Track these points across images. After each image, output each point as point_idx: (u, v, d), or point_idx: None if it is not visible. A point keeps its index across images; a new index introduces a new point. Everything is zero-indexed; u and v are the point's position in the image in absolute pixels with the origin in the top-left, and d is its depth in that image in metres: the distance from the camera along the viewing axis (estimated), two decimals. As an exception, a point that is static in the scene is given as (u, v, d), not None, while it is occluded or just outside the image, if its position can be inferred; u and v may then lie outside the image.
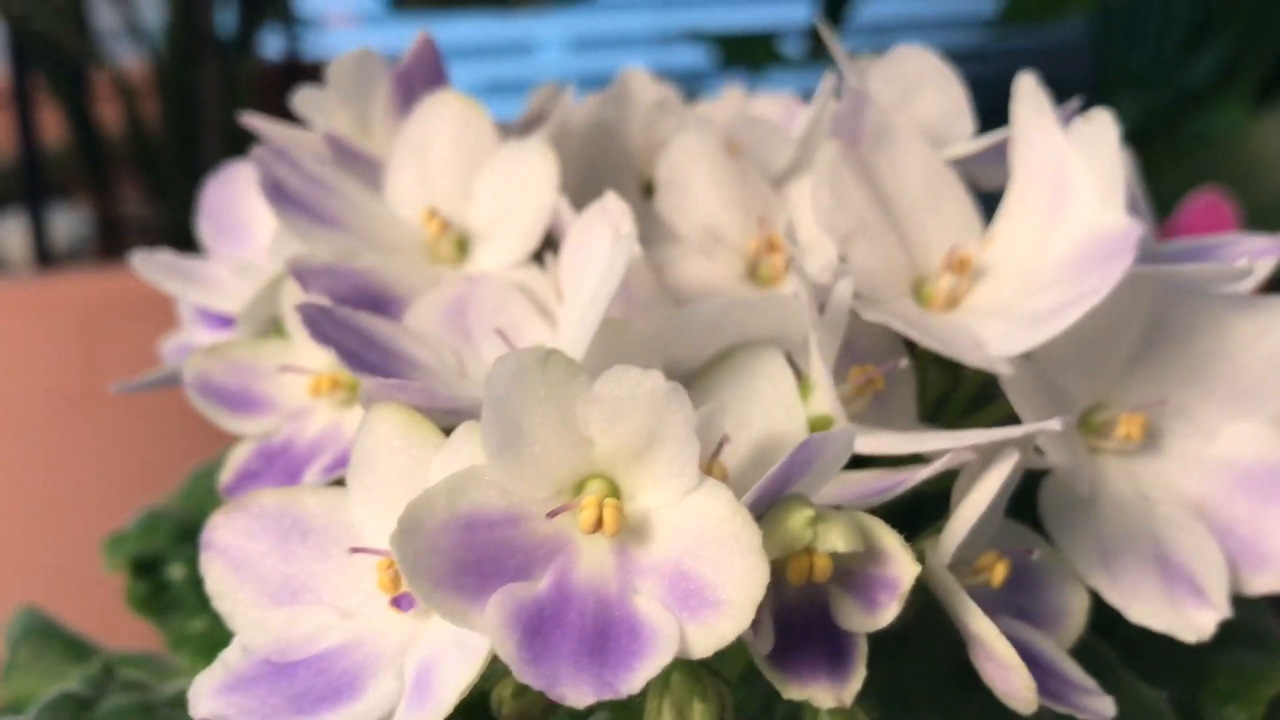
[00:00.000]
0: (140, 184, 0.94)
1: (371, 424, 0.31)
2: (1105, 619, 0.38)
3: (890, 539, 0.29)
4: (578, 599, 0.28)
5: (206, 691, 0.29)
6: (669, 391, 0.27)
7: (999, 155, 0.41)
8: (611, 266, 0.33)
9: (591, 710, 0.38)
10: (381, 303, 0.38)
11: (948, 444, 0.32)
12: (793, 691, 0.29)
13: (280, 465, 0.38)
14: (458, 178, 0.41)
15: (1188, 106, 1.25)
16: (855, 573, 0.30)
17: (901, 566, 0.29)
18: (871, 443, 0.33)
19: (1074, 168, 0.37)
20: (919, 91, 0.42)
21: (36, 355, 0.71)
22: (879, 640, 0.40)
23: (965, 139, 0.42)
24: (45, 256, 0.81)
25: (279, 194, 0.38)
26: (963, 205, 0.40)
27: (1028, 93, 0.39)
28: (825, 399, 0.34)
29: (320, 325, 0.33)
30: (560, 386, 0.28)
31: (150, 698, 0.45)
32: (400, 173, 0.41)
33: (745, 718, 0.36)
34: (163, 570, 0.52)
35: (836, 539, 0.28)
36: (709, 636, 0.27)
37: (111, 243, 0.90)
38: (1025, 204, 0.39)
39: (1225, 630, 0.45)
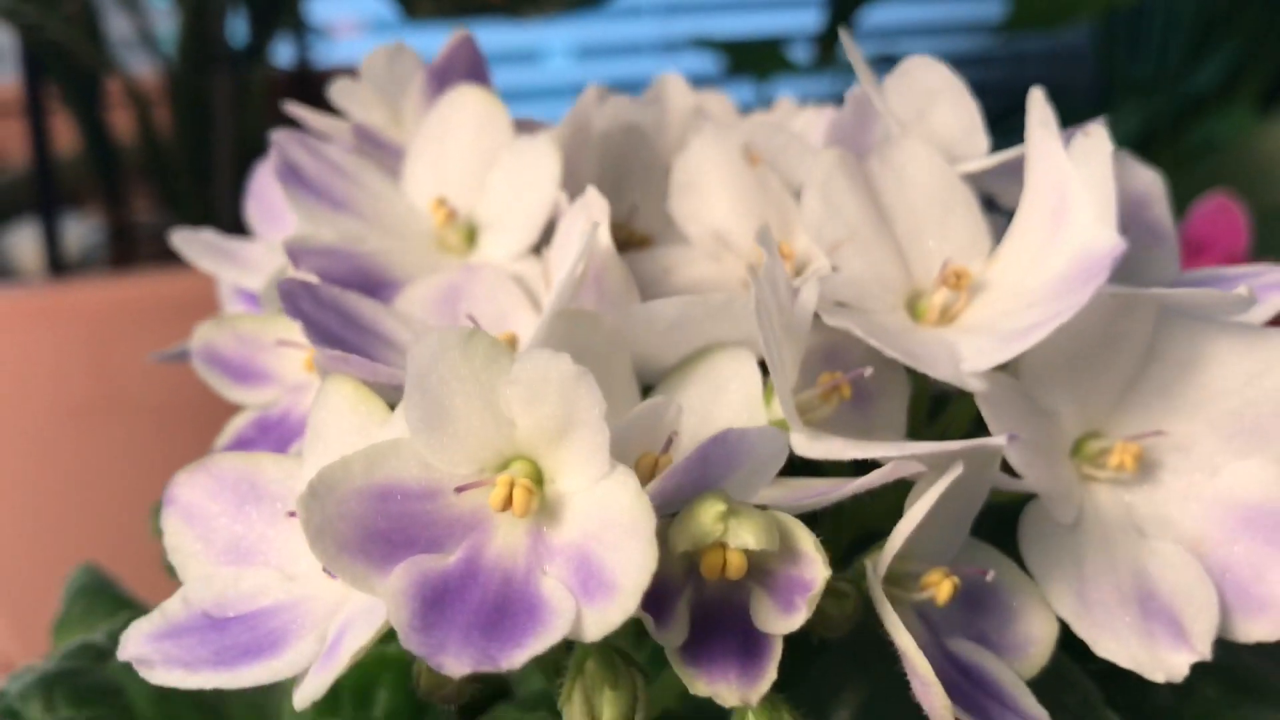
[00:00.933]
0: (152, 192, 0.95)
1: (324, 395, 0.32)
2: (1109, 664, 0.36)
3: (807, 541, 0.29)
4: (485, 575, 0.28)
5: (139, 636, 0.31)
6: (578, 376, 0.28)
7: (1016, 171, 0.40)
8: (576, 257, 0.33)
9: (537, 702, 0.39)
10: (379, 286, 0.39)
11: (894, 453, 0.31)
12: (699, 687, 0.29)
13: (275, 435, 0.40)
14: (472, 170, 0.42)
15: (1192, 112, 1.20)
16: (774, 573, 0.30)
17: (816, 569, 0.29)
18: (818, 447, 0.32)
19: (1073, 184, 0.36)
20: (933, 106, 0.41)
21: (48, 363, 0.73)
22: (858, 648, 0.39)
23: (980, 155, 0.41)
24: (57, 265, 0.82)
25: (292, 176, 0.40)
26: (971, 221, 0.40)
27: (1036, 106, 0.38)
28: (777, 403, 0.34)
29: (295, 299, 0.35)
30: (482, 367, 0.29)
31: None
32: (417, 162, 0.43)
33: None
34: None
35: (747, 535, 0.28)
36: (600, 621, 0.27)
37: (123, 251, 0.91)
38: (1031, 221, 0.38)
39: (1241, 682, 0.43)
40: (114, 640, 0.49)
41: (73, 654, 0.46)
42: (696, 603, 0.30)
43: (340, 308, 0.36)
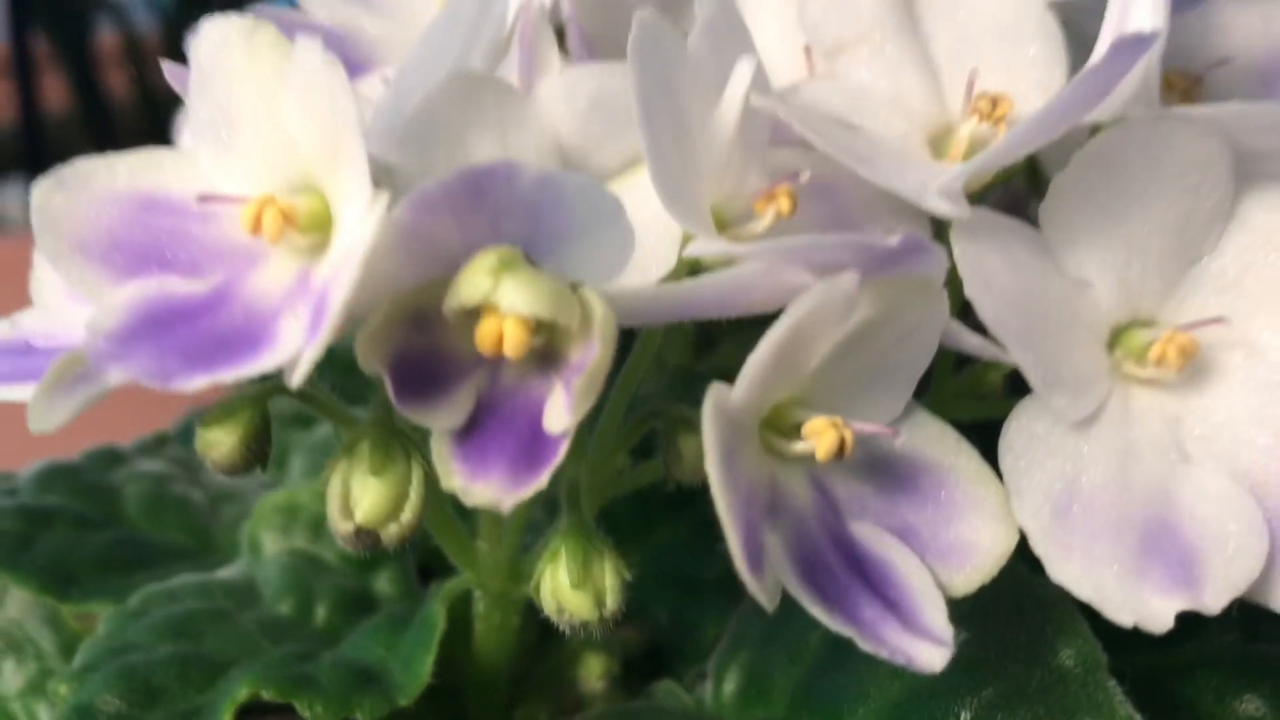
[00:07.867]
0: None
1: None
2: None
3: (600, 315, 0.23)
4: (231, 308, 0.24)
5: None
6: (332, 70, 0.23)
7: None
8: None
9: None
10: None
11: (766, 251, 0.24)
12: (453, 480, 0.24)
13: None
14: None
15: None
16: (570, 362, 0.24)
17: (594, 350, 0.23)
18: (700, 246, 0.26)
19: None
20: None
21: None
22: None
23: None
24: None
25: None
26: (1045, 50, 0.32)
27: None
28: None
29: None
30: (264, 62, 0.25)
31: (175, 472, 0.46)
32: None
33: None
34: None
35: (518, 296, 0.23)
36: (310, 353, 0.23)
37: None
38: (1101, 46, 0.30)
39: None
40: (138, 449, 0.48)
41: (93, 454, 0.46)
42: (489, 393, 0.25)
43: None
